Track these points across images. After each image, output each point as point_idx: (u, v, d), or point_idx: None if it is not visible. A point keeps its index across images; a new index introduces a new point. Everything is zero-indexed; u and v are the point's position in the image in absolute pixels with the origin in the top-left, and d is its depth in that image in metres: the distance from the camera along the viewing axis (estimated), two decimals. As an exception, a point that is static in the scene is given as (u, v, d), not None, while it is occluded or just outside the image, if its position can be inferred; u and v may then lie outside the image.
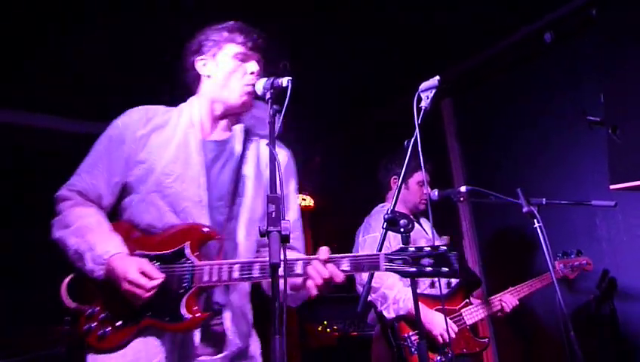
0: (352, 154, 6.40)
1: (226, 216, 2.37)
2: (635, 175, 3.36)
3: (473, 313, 3.71)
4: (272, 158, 2.04)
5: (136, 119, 2.42)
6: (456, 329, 3.54)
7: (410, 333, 3.47)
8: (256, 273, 2.19)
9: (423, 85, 2.52)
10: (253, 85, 2.33)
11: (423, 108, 2.48)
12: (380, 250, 2.62)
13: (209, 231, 2.28)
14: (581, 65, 4.35)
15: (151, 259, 2.25)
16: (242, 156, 2.47)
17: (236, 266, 2.20)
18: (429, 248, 2.12)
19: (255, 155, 2.52)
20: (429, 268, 2.11)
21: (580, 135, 4.26)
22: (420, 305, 3.39)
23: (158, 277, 2.16)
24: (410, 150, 2.50)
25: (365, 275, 2.65)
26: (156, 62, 4.74)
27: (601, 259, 4.19)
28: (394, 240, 3.27)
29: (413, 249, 2.14)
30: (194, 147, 2.40)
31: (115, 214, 2.45)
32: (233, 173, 2.43)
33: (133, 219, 2.36)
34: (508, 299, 3.77)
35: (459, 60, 5.16)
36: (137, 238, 2.32)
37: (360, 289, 3.33)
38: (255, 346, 2.50)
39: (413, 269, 2.12)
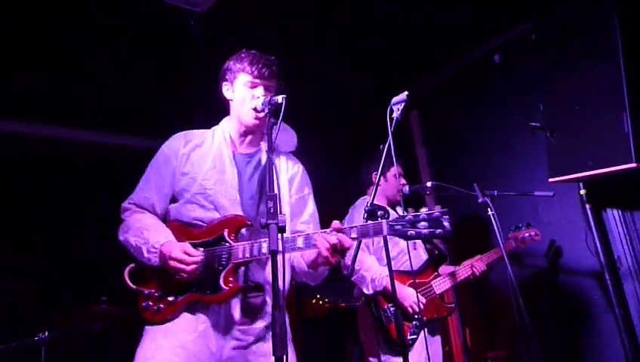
0: (350, 154, 6.30)
1: (256, 211, 2.40)
2: (569, 170, 3.37)
3: (441, 283, 3.69)
4: (270, 163, 2.05)
5: (176, 143, 2.52)
6: (423, 301, 3.53)
7: (388, 306, 3.46)
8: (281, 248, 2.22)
9: (394, 99, 2.51)
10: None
11: (395, 118, 2.47)
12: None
13: (242, 219, 2.33)
14: (524, 81, 4.34)
15: (197, 245, 2.30)
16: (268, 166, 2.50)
17: (264, 243, 2.20)
18: (425, 213, 2.06)
19: (278, 166, 2.56)
20: (425, 231, 2.04)
21: (524, 138, 4.24)
22: (395, 281, 3.41)
23: (198, 255, 2.23)
24: (385, 152, 2.50)
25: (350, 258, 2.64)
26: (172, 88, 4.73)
27: (543, 240, 4.19)
28: None
29: (411, 216, 2.07)
30: (227, 158, 2.47)
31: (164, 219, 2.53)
32: (261, 179, 2.46)
33: (181, 217, 2.42)
34: (478, 264, 3.77)
35: (423, 78, 5.15)
36: (186, 231, 2.38)
37: (345, 272, 3.32)
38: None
39: (412, 232, 2.06)
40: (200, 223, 2.38)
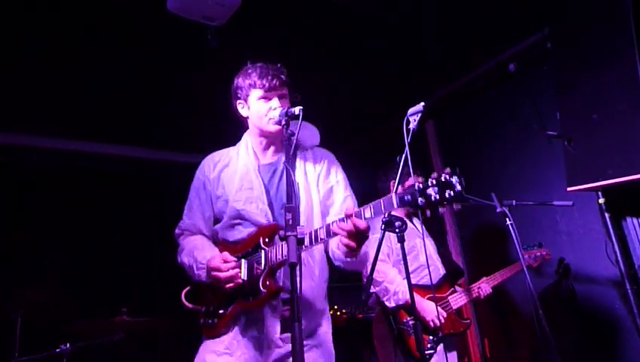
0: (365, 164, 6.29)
1: None
2: (588, 178, 3.31)
3: (458, 299, 3.66)
4: (288, 174, 2.03)
5: (207, 167, 2.65)
6: (445, 315, 3.48)
7: (408, 319, 3.41)
8: (307, 242, 2.20)
9: (410, 110, 2.48)
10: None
11: (411, 129, 2.43)
12: (380, 247, 2.62)
13: (275, 226, 2.39)
14: (540, 89, 4.30)
15: (239, 257, 2.40)
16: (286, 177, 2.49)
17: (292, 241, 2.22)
18: (433, 179, 1.89)
19: (302, 165, 2.58)
20: (436, 195, 1.87)
21: (541, 147, 4.21)
22: (415, 294, 3.37)
23: (232, 260, 2.35)
24: (402, 163, 2.46)
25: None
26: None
27: (562, 249, 4.15)
28: (394, 238, 3.17)
29: (420, 184, 1.92)
30: (253, 174, 2.53)
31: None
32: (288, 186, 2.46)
33: (227, 238, 2.53)
34: (483, 288, 3.73)
35: (439, 88, 5.13)
36: (231, 248, 2.47)
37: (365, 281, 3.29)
38: (326, 328, 2.50)
39: (422, 199, 1.90)
40: (241, 240, 2.47)
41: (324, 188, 2.56)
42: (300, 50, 4.13)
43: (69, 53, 3.96)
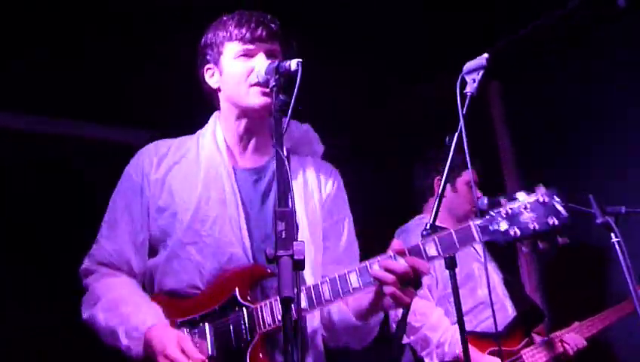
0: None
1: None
2: None
3: (536, 354, 3.68)
4: (281, 163, 1.98)
5: (146, 162, 2.53)
6: None
7: None
8: (305, 303, 2.15)
9: (468, 65, 2.47)
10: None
11: (469, 94, 2.42)
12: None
13: (259, 269, 2.31)
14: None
15: (197, 322, 2.28)
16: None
17: (303, 294, 2.13)
18: (525, 200, 2.01)
19: (302, 180, 2.56)
20: (534, 224, 1.99)
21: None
22: (470, 347, 3.34)
23: (199, 359, 2.14)
24: (453, 147, 2.43)
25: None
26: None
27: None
28: (439, 263, 3.09)
29: (507, 208, 2.03)
30: (226, 179, 2.45)
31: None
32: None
33: (167, 283, 2.41)
34: (571, 339, 3.70)
35: (508, 33, 5.10)
36: (178, 305, 2.35)
37: (395, 327, 3.29)
38: None
39: (515, 231, 2.00)
40: (194, 291, 2.35)
41: (328, 219, 2.56)
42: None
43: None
